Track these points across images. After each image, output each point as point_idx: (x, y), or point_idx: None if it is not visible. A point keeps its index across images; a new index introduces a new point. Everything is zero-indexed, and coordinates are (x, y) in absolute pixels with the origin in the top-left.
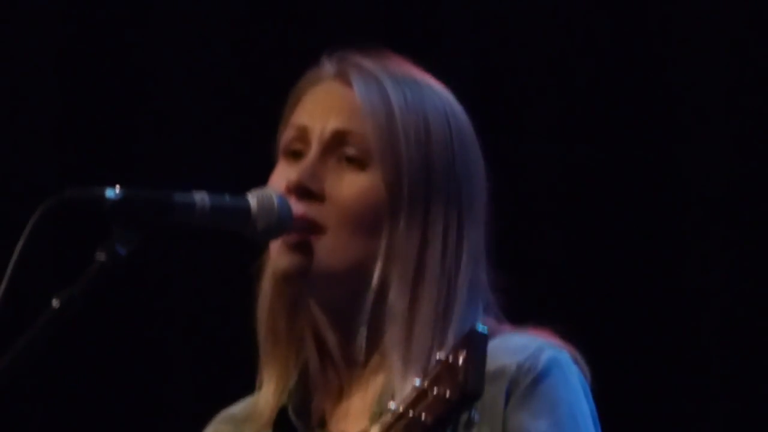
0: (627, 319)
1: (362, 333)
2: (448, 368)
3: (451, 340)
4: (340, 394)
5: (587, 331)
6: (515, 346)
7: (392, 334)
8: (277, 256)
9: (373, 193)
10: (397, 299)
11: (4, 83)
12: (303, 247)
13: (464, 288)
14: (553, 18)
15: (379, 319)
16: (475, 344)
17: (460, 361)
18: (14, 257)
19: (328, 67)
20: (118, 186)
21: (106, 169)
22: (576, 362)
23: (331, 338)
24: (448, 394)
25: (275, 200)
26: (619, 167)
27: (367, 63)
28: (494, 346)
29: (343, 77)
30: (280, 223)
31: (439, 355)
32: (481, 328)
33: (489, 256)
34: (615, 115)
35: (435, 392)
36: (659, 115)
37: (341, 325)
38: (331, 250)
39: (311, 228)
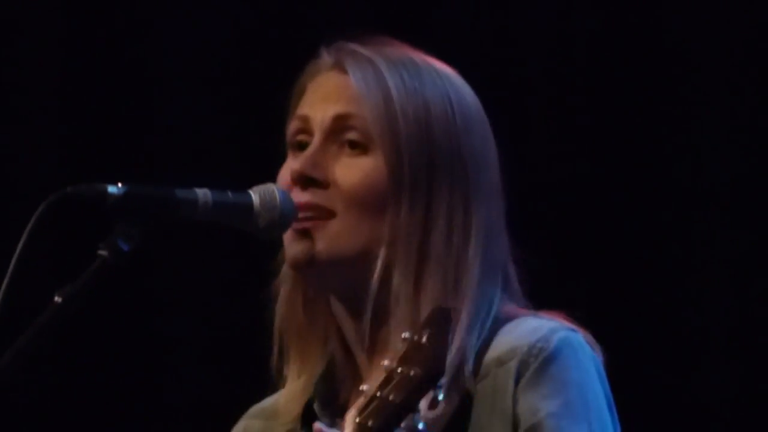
0: (634, 306)
1: (367, 318)
2: (413, 347)
3: (465, 321)
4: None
5: (600, 318)
6: (528, 329)
7: (397, 316)
8: (288, 245)
9: (376, 176)
10: (401, 281)
11: (7, 80)
12: (311, 233)
13: (475, 267)
14: (554, 11)
15: (387, 304)
16: (439, 322)
17: (424, 339)
18: (17, 253)
19: (326, 57)
20: (120, 182)
21: (109, 165)
22: (590, 344)
23: (349, 328)
24: (413, 373)
25: (277, 195)
26: (625, 162)
27: (363, 50)
28: (508, 329)
29: (340, 66)
30: (283, 218)
31: (405, 335)
32: (446, 306)
33: (509, 237)
34: (621, 109)
35: (401, 372)
36: (664, 108)
37: (358, 313)
38: (339, 234)
39: (319, 214)
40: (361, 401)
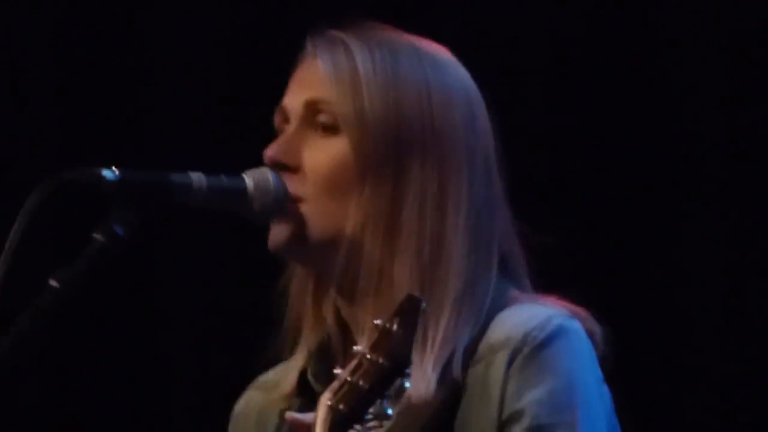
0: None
1: (336, 296)
2: (384, 334)
3: (451, 293)
4: None
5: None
6: (525, 316)
7: (365, 287)
8: (270, 231)
9: (342, 157)
10: (369, 259)
11: (6, 66)
12: (286, 220)
13: (458, 242)
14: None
15: (359, 283)
16: (409, 311)
17: (394, 327)
18: (13, 237)
19: (309, 47)
20: (115, 167)
21: (104, 151)
22: (591, 331)
23: (344, 307)
24: (381, 361)
25: (271, 180)
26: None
27: (339, 33)
28: (505, 316)
29: (315, 52)
30: (277, 202)
31: (377, 321)
32: (416, 294)
33: (511, 218)
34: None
35: (371, 358)
36: (660, 99)
37: (342, 293)
38: (311, 217)
39: (292, 200)
40: (334, 385)
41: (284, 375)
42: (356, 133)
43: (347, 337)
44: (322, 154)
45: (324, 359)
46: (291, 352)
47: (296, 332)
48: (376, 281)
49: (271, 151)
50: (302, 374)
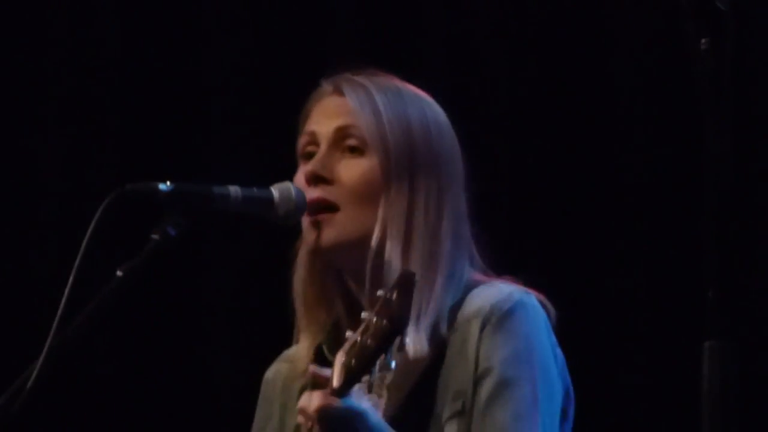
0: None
1: (366, 285)
2: (385, 303)
3: (439, 284)
4: None
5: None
6: (492, 292)
7: (387, 276)
8: (306, 234)
9: (371, 173)
10: (392, 253)
11: (78, 98)
12: (322, 225)
13: (448, 240)
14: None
15: (382, 272)
16: (406, 283)
17: (394, 296)
18: (86, 240)
19: (326, 86)
20: (169, 180)
21: (160, 167)
22: (543, 305)
23: (359, 293)
24: (384, 323)
25: (293, 191)
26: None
27: (357, 78)
28: (477, 293)
29: (338, 90)
30: (298, 209)
31: (380, 292)
32: (411, 270)
33: (472, 220)
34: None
35: (376, 322)
36: (599, 109)
37: (363, 282)
38: (344, 223)
39: (327, 207)
40: (346, 345)
41: (303, 350)
42: (381, 154)
43: (355, 313)
44: (354, 171)
45: (336, 335)
46: (304, 332)
47: (305, 316)
48: (395, 272)
49: (311, 166)
50: (318, 347)
